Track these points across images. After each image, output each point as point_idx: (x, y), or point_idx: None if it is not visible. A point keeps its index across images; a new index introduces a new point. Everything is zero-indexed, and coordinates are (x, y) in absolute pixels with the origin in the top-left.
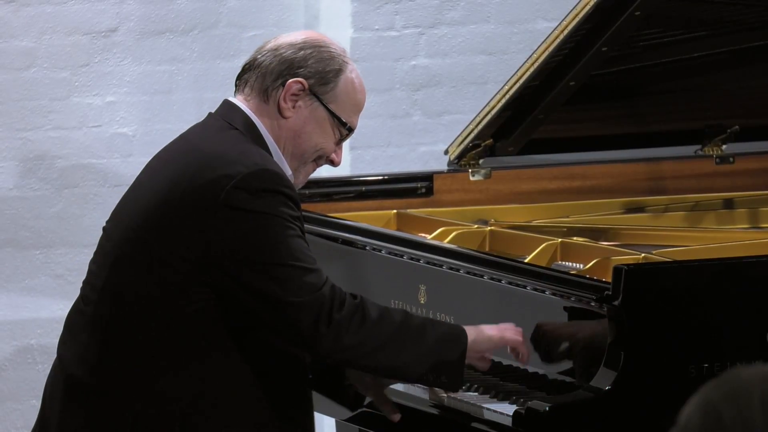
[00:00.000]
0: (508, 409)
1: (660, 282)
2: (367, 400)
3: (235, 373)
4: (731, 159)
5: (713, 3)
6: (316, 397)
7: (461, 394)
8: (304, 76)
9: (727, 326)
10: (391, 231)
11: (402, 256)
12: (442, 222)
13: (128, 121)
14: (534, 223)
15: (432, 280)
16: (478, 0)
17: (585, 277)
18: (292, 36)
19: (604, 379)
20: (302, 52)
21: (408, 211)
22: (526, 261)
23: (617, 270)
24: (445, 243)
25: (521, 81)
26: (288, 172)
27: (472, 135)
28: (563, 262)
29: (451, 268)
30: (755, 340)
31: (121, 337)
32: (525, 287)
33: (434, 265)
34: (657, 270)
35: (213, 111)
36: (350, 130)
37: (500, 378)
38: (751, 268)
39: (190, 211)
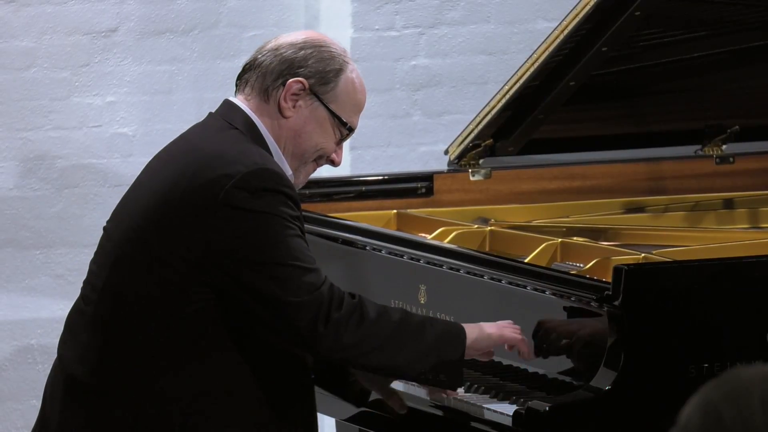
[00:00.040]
0: (508, 409)
1: (660, 282)
2: (373, 395)
3: (235, 373)
4: (731, 159)
5: (713, 3)
6: (318, 396)
7: (461, 394)
8: (304, 76)
9: (727, 326)
10: (391, 231)
11: (402, 256)
12: (442, 222)
13: (128, 121)
14: (534, 223)
15: (432, 280)
16: (478, 0)
17: (585, 277)
18: (293, 36)
19: (604, 379)
20: (303, 51)
21: (408, 211)
22: (526, 261)
23: (617, 270)
24: (445, 243)
25: (521, 81)
26: (288, 172)
27: (472, 135)
28: (563, 262)
29: (451, 268)
30: (755, 340)
31: (121, 337)
32: (525, 287)
33: (434, 265)
34: (657, 270)
35: (213, 111)
36: (351, 130)
37: (500, 378)
38: (751, 268)
39: (190, 210)
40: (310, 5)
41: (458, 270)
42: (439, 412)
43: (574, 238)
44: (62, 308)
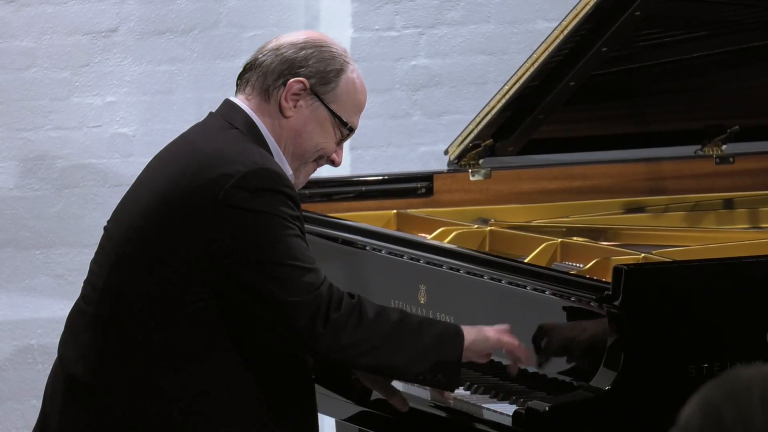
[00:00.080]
0: (508, 409)
1: (660, 282)
2: (374, 394)
3: (235, 373)
4: (731, 159)
5: (713, 3)
6: (318, 396)
7: (461, 394)
8: (305, 76)
9: (727, 326)
10: (391, 231)
11: (402, 256)
12: (442, 222)
13: (128, 121)
14: (534, 223)
15: (432, 280)
16: (478, 0)
17: (585, 277)
18: (294, 36)
19: (604, 379)
20: (303, 51)
21: (408, 211)
22: (526, 261)
23: (617, 270)
24: (445, 243)
25: (521, 81)
26: (289, 171)
27: (472, 135)
28: (563, 262)
29: (451, 268)
30: (755, 340)
31: (121, 337)
32: (525, 287)
33: (434, 265)
34: (657, 270)
35: (214, 111)
36: (351, 130)
37: (500, 378)
38: (751, 268)
39: (190, 210)
40: (310, 5)
41: (458, 270)
42: (439, 412)
43: (574, 238)
44: (62, 308)
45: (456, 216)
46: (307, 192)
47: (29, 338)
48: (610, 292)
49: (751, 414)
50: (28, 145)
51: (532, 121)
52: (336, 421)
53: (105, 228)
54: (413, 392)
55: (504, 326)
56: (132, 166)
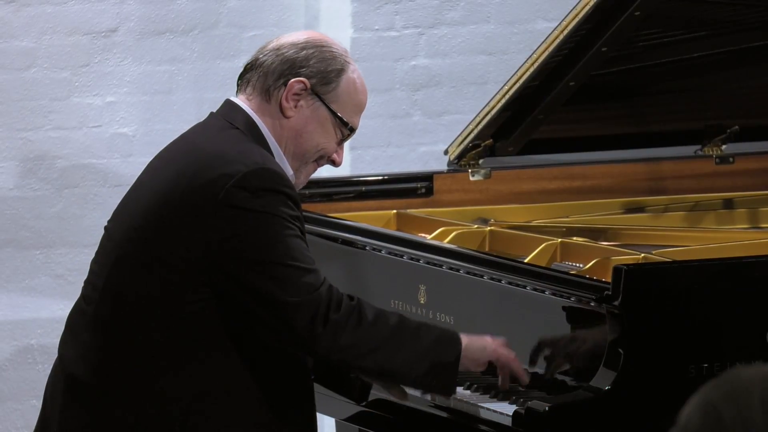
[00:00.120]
0: (507, 409)
1: (660, 282)
2: (373, 393)
3: (235, 373)
4: (731, 159)
5: (713, 3)
6: (318, 396)
7: (461, 394)
8: (306, 76)
9: (727, 326)
10: (391, 231)
11: (402, 256)
12: (442, 222)
13: (128, 121)
14: (534, 223)
15: (432, 280)
16: (478, 0)
17: (585, 277)
18: (294, 36)
19: (603, 379)
20: (304, 51)
21: (408, 211)
22: (525, 261)
23: (617, 270)
24: (445, 243)
25: (521, 81)
26: (289, 172)
27: (472, 135)
28: (563, 262)
29: (451, 268)
30: (755, 340)
31: (121, 337)
32: (525, 287)
33: (434, 265)
34: (657, 270)
35: (214, 111)
36: (352, 131)
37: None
38: (751, 268)
39: (190, 210)
40: (310, 5)
41: (458, 270)
42: (439, 412)
43: (574, 238)
44: (62, 308)
45: (456, 216)
46: (307, 192)
47: (29, 338)
48: (610, 292)
49: (751, 414)
50: (28, 145)
51: (532, 121)
52: (336, 421)
53: (105, 228)
54: (413, 392)
55: (502, 339)
56: (132, 166)
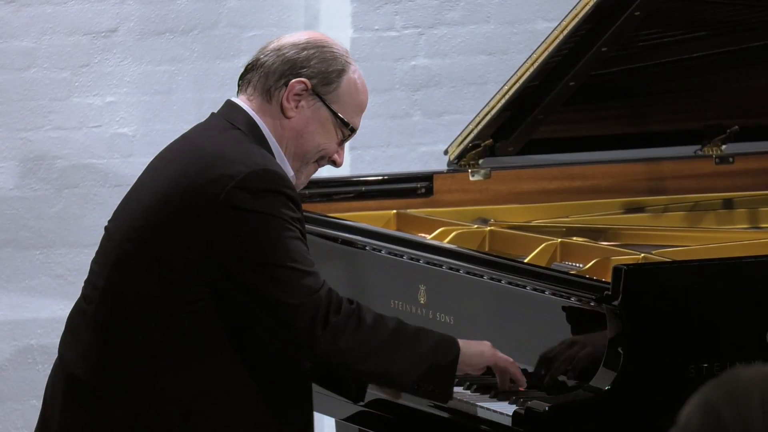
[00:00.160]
0: (507, 408)
1: (660, 282)
2: (372, 394)
3: (235, 373)
4: (731, 159)
5: (713, 3)
6: (317, 396)
7: (461, 394)
8: (307, 76)
9: (726, 326)
10: (391, 231)
11: (402, 256)
12: (442, 222)
13: (128, 121)
14: (534, 223)
15: (432, 280)
16: (478, 0)
17: (585, 277)
18: (295, 36)
19: (603, 379)
20: (305, 52)
21: (408, 211)
22: (525, 261)
23: (617, 270)
24: (445, 243)
25: (521, 81)
26: (290, 172)
27: (472, 135)
28: (563, 262)
29: (451, 268)
30: (755, 340)
31: (122, 337)
32: (525, 287)
33: (434, 265)
34: (657, 270)
35: (215, 111)
36: (353, 131)
37: None
38: (751, 268)
39: (191, 210)
40: (310, 5)
41: (458, 270)
42: (438, 412)
43: (574, 238)
44: (62, 308)
45: (456, 216)
46: (307, 192)
47: (29, 338)
48: (610, 292)
49: (751, 414)
50: (28, 145)
51: (532, 121)
52: (336, 421)
53: (106, 228)
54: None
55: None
56: (132, 166)
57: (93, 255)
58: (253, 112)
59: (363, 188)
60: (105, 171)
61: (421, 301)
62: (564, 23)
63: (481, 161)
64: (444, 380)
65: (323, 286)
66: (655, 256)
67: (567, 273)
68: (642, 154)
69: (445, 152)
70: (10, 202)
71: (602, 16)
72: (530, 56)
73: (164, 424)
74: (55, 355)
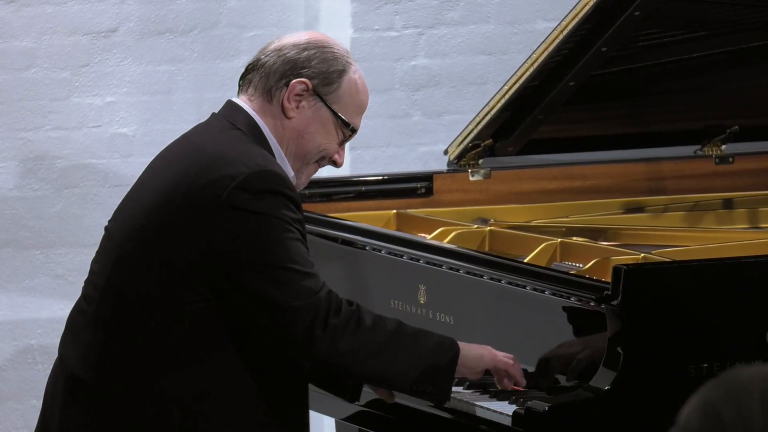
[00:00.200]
0: (507, 408)
1: (660, 282)
2: (365, 395)
3: (235, 373)
4: (731, 159)
5: (713, 3)
6: (317, 396)
7: (461, 394)
8: (307, 77)
9: (726, 326)
10: (391, 231)
11: (402, 256)
12: (441, 222)
13: (128, 121)
14: (533, 223)
15: (432, 280)
16: (478, 0)
17: (585, 277)
18: (296, 36)
19: (603, 379)
20: (306, 52)
21: (408, 211)
22: (525, 261)
23: (617, 270)
24: (445, 243)
25: (521, 81)
26: (290, 173)
27: (472, 135)
28: (563, 262)
29: (451, 268)
30: (755, 340)
31: (122, 337)
32: (525, 287)
33: (434, 265)
34: (657, 270)
35: (215, 111)
36: (353, 131)
37: None
38: (751, 268)
39: (192, 210)
40: (310, 5)
41: (458, 270)
42: (438, 412)
43: (574, 238)
44: (62, 308)
45: (455, 216)
46: (307, 192)
47: (29, 338)
48: (610, 292)
49: (751, 414)
50: (28, 145)
51: (532, 121)
52: (336, 421)
53: (106, 228)
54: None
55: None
56: (132, 166)
57: (93, 255)
58: (254, 113)
59: (363, 188)
60: (105, 171)
61: (421, 301)
62: (564, 23)
63: (481, 161)
64: (443, 381)
65: (323, 287)
66: (655, 256)
67: (567, 273)
68: (642, 154)
69: (445, 152)
70: (10, 202)
71: (602, 16)
72: (530, 56)
73: (164, 424)
74: (55, 355)
